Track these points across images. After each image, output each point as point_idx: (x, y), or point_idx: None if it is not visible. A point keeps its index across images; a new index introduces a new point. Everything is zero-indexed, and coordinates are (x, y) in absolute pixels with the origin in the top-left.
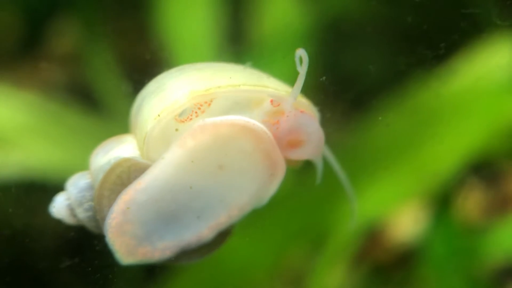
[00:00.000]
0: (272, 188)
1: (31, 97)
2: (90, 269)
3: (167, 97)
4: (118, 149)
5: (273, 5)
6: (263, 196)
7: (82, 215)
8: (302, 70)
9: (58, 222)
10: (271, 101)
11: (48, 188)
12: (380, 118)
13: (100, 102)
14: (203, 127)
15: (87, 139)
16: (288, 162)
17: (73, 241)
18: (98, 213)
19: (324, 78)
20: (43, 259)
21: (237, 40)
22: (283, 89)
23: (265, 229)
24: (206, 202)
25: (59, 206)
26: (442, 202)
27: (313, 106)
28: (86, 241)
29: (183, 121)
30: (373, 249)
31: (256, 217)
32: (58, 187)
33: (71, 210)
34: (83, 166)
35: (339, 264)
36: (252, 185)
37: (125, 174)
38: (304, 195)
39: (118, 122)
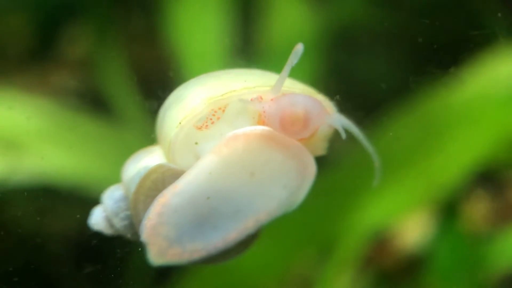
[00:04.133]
0: (302, 193)
1: (43, 102)
2: (110, 274)
3: (186, 105)
4: (147, 160)
5: (282, 13)
6: (293, 201)
7: (119, 224)
8: (289, 62)
9: (70, 228)
10: (252, 100)
11: (61, 193)
12: (391, 133)
13: (111, 107)
14: (236, 136)
15: (99, 145)
16: (313, 150)
17: (93, 248)
18: (134, 217)
19: (338, 96)
20: (58, 265)
21: (247, 48)
22: (297, 87)
23: (274, 237)
24: (236, 207)
25: (97, 219)
26: (448, 211)
27: (327, 100)
28: (105, 249)
29: (200, 128)
30: (379, 257)
31: (265, 226)
32: (70, 193)
33: (109, 221)
34: (95, 171)
35: (346, 271)
36: (283, 191)
37: (160, 180)
38: (312, 203)
39: (130, 128)
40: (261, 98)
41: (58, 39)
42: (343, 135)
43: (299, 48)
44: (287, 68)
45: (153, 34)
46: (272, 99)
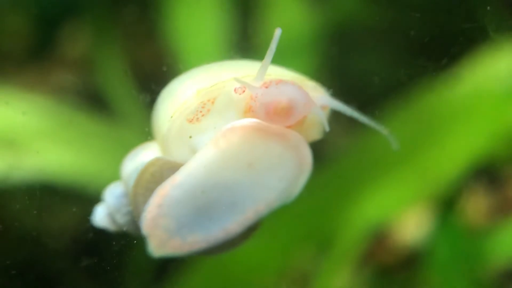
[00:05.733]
0: (300, 183)
1: (42, 101)
2: (108, 268)
3: (177, 99)
4: (143, 155)
5: (280, 10)
6: (292, 192)
7: (122, 220)
8: (271, 47)
9: (68, 223)
10: (235, 90)
11: (59, 190)
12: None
13: (110, 105)
14: (233, 128)
15: (98, 143)
16: (307, 136)
17: (89, 243)
18: (134, 211)
19: (331, 90)
20: (56, 259)
21: (244, 44)
22: (288, 75)
23: (272, 232)
24: (235, 198)
25: (101, 216)
26: (446, 206)
27: (320, 87)
28: (103, 243)
29: (191, 121)
30: (378, 252)
31: (263, 220)
32: (68, 189)
33: (112, 217)
34: (93, 167)
35: (345, 266)
36: (281, 182)
37: (158, 173)
38: (310, 198)
39: (129, 126)
40: (244, 88)
41: (57, 37)
42: (327, 128)
43: (278, 32)
44: (269, 54)
45: (151, 32)
46: (266, 86)
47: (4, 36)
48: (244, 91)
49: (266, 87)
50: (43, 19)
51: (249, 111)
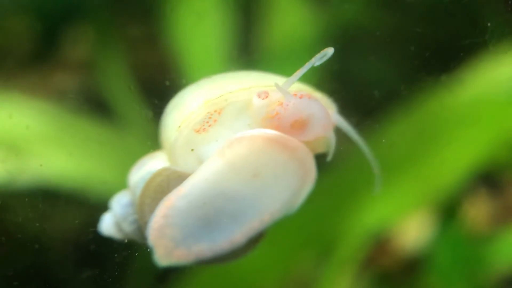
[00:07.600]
0: (303, 194)
1: (45, 105)
2: (111, 278)
3: (184, 110)
4: (150, 164)
5: (283, 15)
6: (295, 203)
7: (128, 228)
8: (312, 62)
9: (70, 232)
10: (258, 95)
11: (62, 197)
12: (384, 140)
13: (113, 110)
14: (240, 139)
15: (101, 148)
16: (311, 148)
17: (92, 252)
18: (141, 219)
19: (335, 102)
20: (58, 269)
21: (247, 50)
22: (296, 86)
23: (274, 239)
24: (240, 209)
25: (107, 224)
26: (448, 211)
27: (326, 98)
28: (104, 253)
29: (198, 131)
30: (380, 257)
31: (266, 232)
32: (71, 196)
33: (118, 226)
34: (96, 174)
35: (346, 272)
36: (285, 192)
37: (165, 183)
38: (311, 205)
39: (131, 131)
40: (267, 93)
41: (60, 41)
42: (330, 156)
43: (329, 51)
44: (307, 66)
45: (154, 38)
46: (300, 96)
47: (7, 38)
48: (267, 97)
49: (300, 98)
50: (46, 23)
51: (272, 118)
